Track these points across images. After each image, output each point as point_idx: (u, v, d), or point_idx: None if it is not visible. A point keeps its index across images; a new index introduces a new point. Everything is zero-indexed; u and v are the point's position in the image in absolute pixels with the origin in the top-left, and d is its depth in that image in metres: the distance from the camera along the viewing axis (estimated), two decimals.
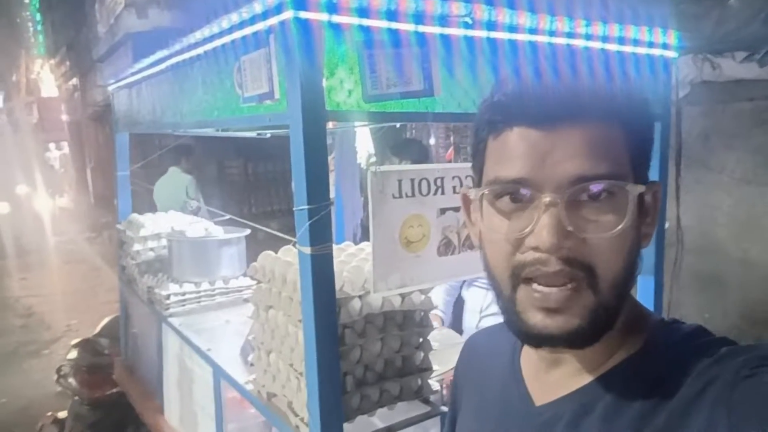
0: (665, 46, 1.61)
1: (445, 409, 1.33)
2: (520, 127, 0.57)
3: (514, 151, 0.57)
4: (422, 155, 2.88)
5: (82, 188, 16.07)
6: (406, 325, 1.33)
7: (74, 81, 15.16)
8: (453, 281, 2.61)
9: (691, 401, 0.53)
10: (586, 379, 0.62)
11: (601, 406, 0.59)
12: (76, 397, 3.15)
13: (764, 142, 2.90)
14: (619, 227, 0.55)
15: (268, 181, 8.59)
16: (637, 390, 0.57)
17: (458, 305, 2.68)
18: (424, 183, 1.26)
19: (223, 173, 8.46)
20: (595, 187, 0.55)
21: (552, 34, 1.43)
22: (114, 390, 2.90)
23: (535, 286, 0.57)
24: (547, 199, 0.55)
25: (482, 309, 2.47)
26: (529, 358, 0.71)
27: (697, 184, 3.17)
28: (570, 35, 1.45)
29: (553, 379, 0.65)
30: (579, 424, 0.60)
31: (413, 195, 1.25)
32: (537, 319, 0.57)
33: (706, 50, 2.96)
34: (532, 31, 1.40)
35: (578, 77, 0.57)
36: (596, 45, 1.48)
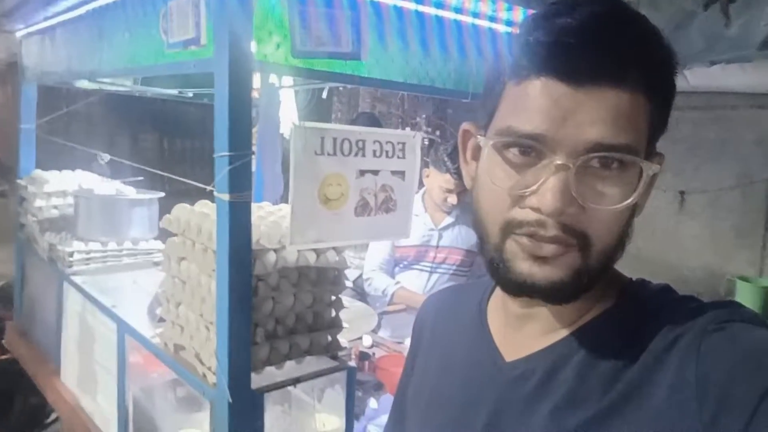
0: None
1: (352, 364, 1.37)
2: (547, 79, 0.53)
3: (534, 104, 0.53)
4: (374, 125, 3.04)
5: None
6: (320, 282, 1.36)
7: None
8: (385, 256, 2.66)
9: (662, 353, 0.54)
10: (560, 334, 0.62)
11: (575, 360, 0.59)
12: None
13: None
14: (626, 202, 0.54)
15: (184, 159, 8.28)
16: (611, 344, 0.58)
17: None
18: (346, 143, 1.29)
19: (136, 147, 8.08)
20: (610, 158, 0.53)
21: (476, 15, 1.50)
22: (2, 357, 2.74)
23: (525, 239, 0.56)
24: (558, 161, 0.52)
25: (425, 292, 2.53)
26: (498, 314, 0.70)
27: None
28: (492, 18, 1.53)
29: (525, 335, 0.65)
30: (552, 379, 0.60)
31: (335, 154, 1.27)
32: (524, 267, 0.56)
33: None
34: (458, 10, 1.47)
35: (618, 35, 0.52)
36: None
